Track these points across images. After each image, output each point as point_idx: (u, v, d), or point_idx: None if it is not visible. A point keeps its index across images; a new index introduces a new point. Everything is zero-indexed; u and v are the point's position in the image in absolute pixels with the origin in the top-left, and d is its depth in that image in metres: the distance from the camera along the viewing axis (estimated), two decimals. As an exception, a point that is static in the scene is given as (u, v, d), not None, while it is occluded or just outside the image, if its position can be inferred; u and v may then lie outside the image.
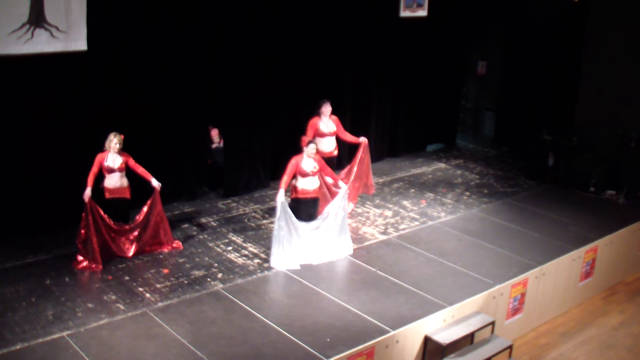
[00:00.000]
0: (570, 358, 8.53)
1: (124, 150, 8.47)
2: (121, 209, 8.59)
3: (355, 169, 10.16)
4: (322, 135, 9.80)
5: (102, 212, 8.29)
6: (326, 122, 9.89)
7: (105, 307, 7.39)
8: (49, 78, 8.74)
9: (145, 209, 8.62)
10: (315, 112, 9.88)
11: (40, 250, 8.60)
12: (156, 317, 7.22)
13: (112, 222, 8.40)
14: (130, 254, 8.57)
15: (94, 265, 8.20)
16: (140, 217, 8.62)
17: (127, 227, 8.57)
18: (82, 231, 8.20)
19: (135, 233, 8.63)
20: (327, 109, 9.87)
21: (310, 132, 9.73)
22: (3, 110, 8.56)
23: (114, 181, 8.47)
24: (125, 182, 8.56)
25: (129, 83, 9.46)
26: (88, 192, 8.13)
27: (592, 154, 12.23)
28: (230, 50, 10.37)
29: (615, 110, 12.12)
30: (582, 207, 11.12)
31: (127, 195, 8.62)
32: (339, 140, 10.21)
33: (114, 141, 8.36)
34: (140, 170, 8.58)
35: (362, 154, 10.19)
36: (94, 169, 8.31)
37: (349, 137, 10.21)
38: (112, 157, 8.40)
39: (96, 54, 8.73)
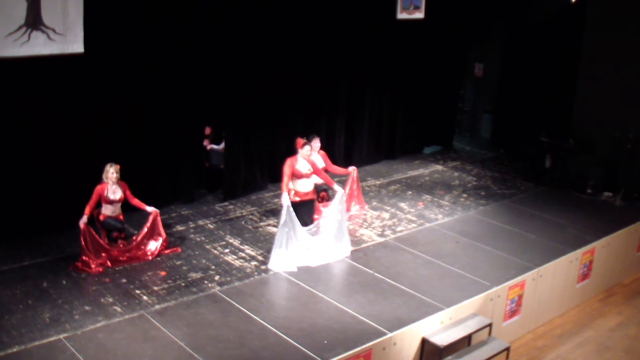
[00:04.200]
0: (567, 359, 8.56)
1: (119, 164, 8.53)
2: (115, 226, 8.60)
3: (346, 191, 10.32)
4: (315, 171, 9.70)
5: (97, 238, 8.31)
6: (315, 157, 9.79)
7: (103, 310, 7.37)
8: (47, 81, 8.74)
9: (145, 230, 8.64)
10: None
11: (37, 253, 8.59)
12: (153, 320, 7.21)
13: (108, 246, 8.41)
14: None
15: (94, 271, 8.23)
16: (138, 238, 8.62)
17: (124, 247, 8.53)
18: (83, 257, 8.23)
19: (131, 252, 8.59)
20: (316, 144, 9.83)
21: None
22: (0, 113, 8.55)
23: (111, 211, 8.58)
24: (119, 209, 8.67)
25: (126, 85, 9.46)
26: (84, 220, 8.18)
27: (589, 155, 12.25)
28: (228, 52, 10.38)
29: (612, 112, 12.14)
30: (579, 209, 11.14)
31: (121, 219, 8.71)
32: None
33: (110, 171, 8.41)
34: (135, 201, 8.67)
35: (352, 181, 10.40)
36: (92, 201, 8.36)
37: (338, 170, 10.30)
38: (112, 188, 8.46)
39: (93, 56, 8.74)
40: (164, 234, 8.81)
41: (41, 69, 8.53)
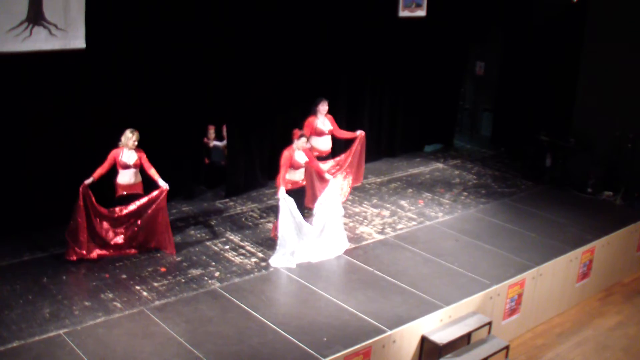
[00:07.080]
0: (566, 359, 8.54)
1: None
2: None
3: (349, 159, 10.38)
4: (321, 133, 9.83)
5: (94, 200, 8.20)
6: (323, 120, 9.93)
7: (102, 305, 7.38)
8: (48, 76, 8.73)
9: (144, 200, 8.50)
10: (312, 110, 9.90)
11: (37, 248, 8.59)
12: (153, 316, 7.21)
13: (104, 209, 8.32)
14: (121, 241, 8.49)
15: (84, 253, 8.19)
16: (135, 208, 8.50)
17: (120, 214, 8.43)
18: (71, 222, 8.16)
19: (129, 222, 8.52)
20: (324, 107, 9.92)
21: (307, 131, 9.75)
22: (1, 109, 8.55)
23: (128, 178, 8.46)
24: (139, 177, 8.56)
25: (127, 81, 9.45)
26: (89, 181, 8.11)
27: (589, 155, 12.24)
28: (229, 50, 10.36)
29: (612, 111, 12.12)
30: (579, 208, 11.13)
31: (141, 190, 8.60)
32: (334, 138, 10.27)
33: (131, 137, 8.36)
34: (152, 172, 8.53)
35: (358, 146, 10.35)
36: (106, 164, 8.28)
37: (345, 134, 10.30)
38: (128, 153, 8.39)
39: (95, 52, 8.74)
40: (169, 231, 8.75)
41: (42, 65, 8.51)
